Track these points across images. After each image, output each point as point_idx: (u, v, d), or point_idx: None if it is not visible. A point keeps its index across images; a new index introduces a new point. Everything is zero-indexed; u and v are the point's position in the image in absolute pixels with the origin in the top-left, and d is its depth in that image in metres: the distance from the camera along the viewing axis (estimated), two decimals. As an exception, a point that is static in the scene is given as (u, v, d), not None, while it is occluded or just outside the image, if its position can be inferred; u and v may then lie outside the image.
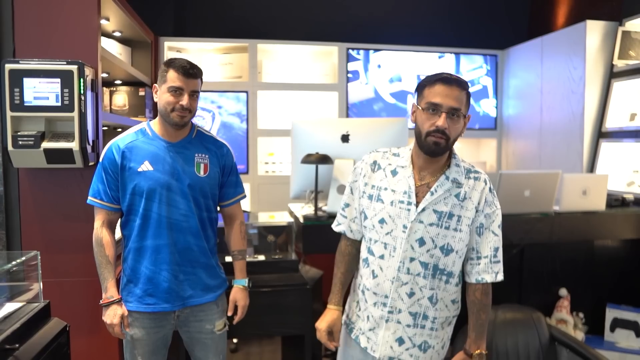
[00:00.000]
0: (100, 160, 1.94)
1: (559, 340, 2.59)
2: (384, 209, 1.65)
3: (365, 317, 1.73)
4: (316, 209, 2.59)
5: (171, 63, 1.87)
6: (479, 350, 1.69)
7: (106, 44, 3.30)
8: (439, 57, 4.85)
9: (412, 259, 1.62)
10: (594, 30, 3.85)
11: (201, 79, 1.94)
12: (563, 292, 3.07)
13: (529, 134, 4.59)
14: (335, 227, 1.83)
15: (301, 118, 4.41)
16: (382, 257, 1.66)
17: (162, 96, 1.88)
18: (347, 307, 1.86)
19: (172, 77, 1.86)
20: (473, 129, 4.99)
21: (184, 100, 1.86)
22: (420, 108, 1.58)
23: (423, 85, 1.59)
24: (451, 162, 1.64)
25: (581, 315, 3.11)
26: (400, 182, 1.64)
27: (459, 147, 4.80)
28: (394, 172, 1.67)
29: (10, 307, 1.68)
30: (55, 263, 2.35)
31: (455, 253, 1.62)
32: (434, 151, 1.57)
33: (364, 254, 1.75)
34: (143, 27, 3.67)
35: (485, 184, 1.64)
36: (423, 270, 1.62)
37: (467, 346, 1.72)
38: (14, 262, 1.70)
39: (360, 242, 1.79)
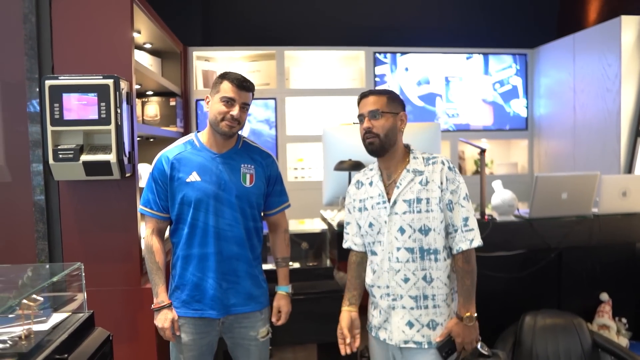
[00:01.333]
0: (151, 171, 2.01)
1: (602, 347, 2.53)
2: (370, 214, 1.91)
3: (377, 313, 1.93)
4: (350, 215, 2.59)
5: (226, 75, 1.94)
6: (468, 313, 1.83)
7: (138, 56, 3.36)
8: (467, 58, 4.80)
9: (398, 248, 1.84)
10: (629, 25, 3.76)
11: (252, 93, 1.99)
12: (604, 296, 2.99)
13: (562, 133, 4.50)
14: (344, 244, 2.08)
15: (331, 124, 4.42)
16: (377, 254, 1.90)
17: (213, 106, 1.94)
18: (368, 316, 2.03)
19: (226, 88, 1.92)
20: (503, 130, 4.92)
21: (235, 111, 1.92)
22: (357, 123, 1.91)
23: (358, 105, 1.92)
24: (409, 157, 1.89)
25: (624, 320, 3.01)
26: (375, 188, 1.91)
27: (489, 147, 4.73)
28: (371, 183, 1.94)
29: (57, 317, 1.71)
30: (95, 272, 2.40)
31: (433, 231, 1.82)
32: (373, 150, 1.85)
33: (368, 259, 1.98)
34: (172, 38, 3.73)
35: (443, 164, 1.86)
36: (410, 255, 1.83)
37: (457, 310, 1.86)
38: (61, 274, 1.74)
39: (364, 252, 2.01)
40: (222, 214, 1.95)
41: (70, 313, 1.77)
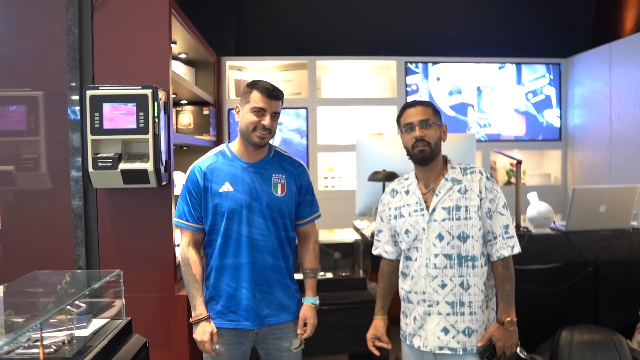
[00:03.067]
0: (184, 182, 2.02)
1: (643, 365, 2.45)
2: (406, 222, 1.95)
3: (412, 320, 1.95)
4: (383, 226, 2.57)
5: (255, 84, 1.94)
6: (509, 318, 1.87)
7: (173, 65, 3.43)
8: (499, 68, 4.74)
9: (436, 255, 1.88)
10: (669, 35, 3.67)
11: (282, 101, 2.00)
12: (644, 312, 2.90)
13: (597, 144, 4.40)
14: (374, 251, 2.13)
15: (361, 134, 4.42)
16: (415, 260, 1.93)
17: (244, 116, 1.95)
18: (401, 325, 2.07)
19: (256, 98, 1.92)
20: (536, 140, 4.84)
21: (266, 121, 1.92)
22: (401, 132, 1.96)
23: (399, 116, 1.98)
24: (447, 167, 1.95)
25: (664, 337, 2.92)
26: (412, 196, 1.96)
27: (522, 158, 4.65)
28: (407, 192, 1.99)
29: (96, 323, 1.75)
30: (130, 278, 2.42)
31: (471, 238, 1.87)
32: (423, 158, 1.90)
33: (402, 266, 2.02)
34: (206, 48, 3.79)
35: (482, 174, 1.91)
36: (448, 262, 1.87)
37: (498, 316, 1.91)
38: (103, 280, 1.77)
39: (396, 260, 2.07)
40: (255, 224, 1.95)
41: (109, 319, 1.81)
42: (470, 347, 1.87)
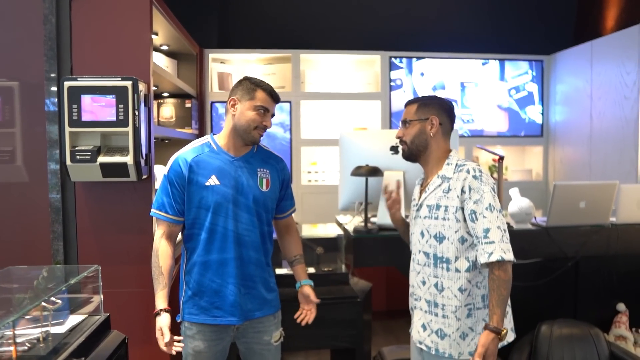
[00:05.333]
0: (166, 173, 1.95)
1: (619, 359, 2.48)
2: (410, 214, 2.01)
3: (411, 309, 2.00)
4: (366, 221, 2.57)
5: (260, 84, 1.93)
6: (504, 330, 1.69)
7: (154, 57, 3.37)
8: (483, 64, 4.77)
9: (419, 251, 1.89)
10: (649, 33, 3.71)
11: None
12: (621, 307, 2.94)
13: (578, 141, 4.45)
14: None
15: (347, 129, 4.42)
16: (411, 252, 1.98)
17: (246, 113, 1.91)
18: None
19: (262, 98, 1.92)
20: (518, 136, 4.88)
21: (269, 122, 1.94)
22: None
23: None
24: (445, 163, 1.89)
25: (641, 331, 2.97)
26: (416, 189, 2.01)
27: (504, 154, 4.68)
28: (418, 184, 2.02)
29: (73, 319, 1.71)
30: (109, 274, 2.39)
31: (447, 240, 1.81)
32: (404, 156, 1.95)
33: None
34: (189, 40, 3.73)
35: (468, 173, 1.80)
36: (426, 260, 1.86)
37: (495, 323, 1.68)
38: (80, 276, 1.73)
39: None
40: (241, 219, 1.93)
41: (86, 315, 1.77)
42: (442, 349, 1.81)
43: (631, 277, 3.01)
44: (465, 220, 1.78)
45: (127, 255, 2.44)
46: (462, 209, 1.79)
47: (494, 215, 1.74)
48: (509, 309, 1.92)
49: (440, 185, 1.86)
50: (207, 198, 1.90)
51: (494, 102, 4.82)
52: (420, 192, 1.95)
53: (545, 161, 4.94)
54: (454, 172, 1.85)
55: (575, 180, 4.37)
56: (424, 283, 1.88)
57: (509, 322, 1.90)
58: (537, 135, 4.92)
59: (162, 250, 1.92)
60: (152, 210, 1.96)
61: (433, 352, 1.85)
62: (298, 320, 2.08)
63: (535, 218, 2.83)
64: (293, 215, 2.20)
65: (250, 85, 1.92)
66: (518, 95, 4.85)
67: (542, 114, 4.91)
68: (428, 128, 1.88)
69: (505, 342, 1.80)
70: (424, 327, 1.88)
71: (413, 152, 1.91)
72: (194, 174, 1.92)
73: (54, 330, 1.59)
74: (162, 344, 1.85)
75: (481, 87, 4.78)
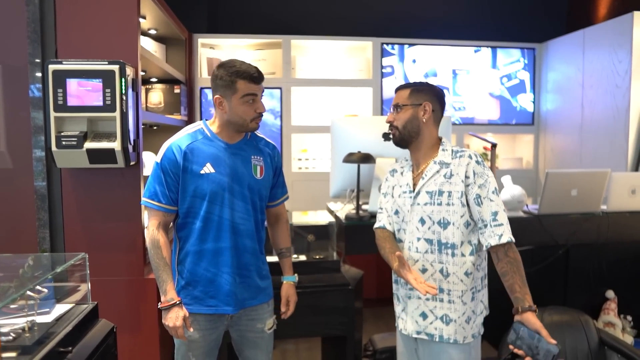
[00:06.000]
0: (158, 160, 1.88)
1: (609, 345, 2.50)
2: (396, 202, 1.94)
3: (397, 301, 1.96)
4: (358, 208, 2.55)
5: (237, 73, 1.82)
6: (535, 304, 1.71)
7: (142, 42, 3.30)
8: (475, 51, 4.74)
9: (418, 239, 1.85)
10: (641, 21, 3.70)
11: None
12: (610, 294, 2.96)
13: (569, 129, 4.45)
14: (376, 224, 2.03)
15: (338, 115, 4.38)
16: (401, 241, 1.91)
17: (236, 108, 1.84)
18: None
19: (244, 87, 1.83)
20: (509, 125, 4.87)
21: (261, 107, 1.88)
22: None
23: None
24: (439, 149, 1.88)
25: (629, 318, 3.00)
26: (404, 177, 1.94)
27: (496, 141, 4.67)
28: (403, 173, 1.96)
29: (60, 308, 1.68)
30: (97, 262, 2.36)
31: (452, 225, 1.80)
32: (394, 141, 1.91)
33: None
34: (178, 24, 3.66)
35: (471, 158, 1.82)
36: (429, 247, 1.83)
37: (530, 303, 1.69)
38: (66, 264, 1.70)
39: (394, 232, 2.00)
40: (236, 207, 1.89)
41: (73, 304, 1.74)
42: (447, 335, 1.82)
43: (620, 264, 3.03)
44: (468, 204, 1.80)
45: (114, 243, 2.40)
46: (466, 193, 1.80)
47: (499, 199, 1.80)
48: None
49: (438, 171, 1.84)
50: (202, 186, 1.85)
51: (486, 90, 4.80)
52: (415, 180, 1.90)
53: (535, 149, 4.94)
54: (452, 158, 1.85)
55: (566, 168, 4.38)
56: (424, 271, 1.84)
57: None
58: (528, 123, 4.91)
59: (162, 241, 1.85)
60: (144, 199, 1.88)
61: (437, 339, 1.83)
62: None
63: (527, 206, 2.83)
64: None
65: (227, 77, 1.82)
66: (510, 83, 4.84)
67: (534, 102, 4.90)
68: (421, 114, 1.85)
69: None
70: (424, 315, 1.85)
71: (405, 137, 1.88)
72: (189, 162, 1.86)
73: (40, 319, 1.56)
74: (180, 334, 1.82)
75: (473, 74, 4.75)
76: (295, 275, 2.13)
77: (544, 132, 4.85)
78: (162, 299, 1.83)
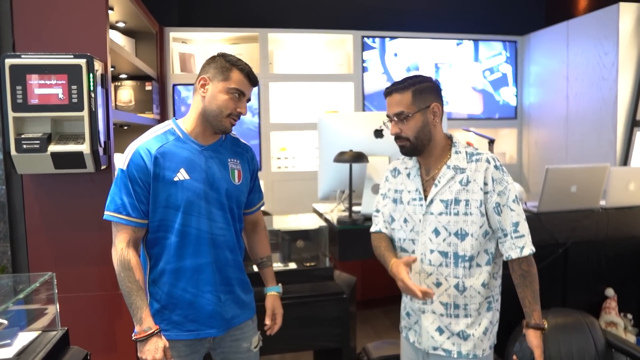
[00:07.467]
0: (124, 167, 1.63)
1: (615, 347, 2.40)
2: (405, 209, 1.76)
3: (407, 314, 1.82)
4: (351, 211, 2.38)
5: (236, 63, 1.66)
6: (545, 321, 1.70)
7: (110, 35, 3.06)
8: (457, 44, 4.62)
9: (432, 251, 1.69)
10: (628, 12, 3.64)
11: None
12: (610, 292, 2.88)
13: (553, 122, 4.38)
14: (373, 228, 1.89)
15: (319, 112, 4.19)
16: (411, 252, 1.75)
17: (218, 95, 1.64)
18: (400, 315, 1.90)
19: (238, 79, 1.64)
20: (492, 119, 4.78)
21: (244, 108, 1.68)
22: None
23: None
24: (451, 151, 1.71)
25: (630, 316, 2.92)
26: (413, 181, 1.76)
27: (475, 138, 4.58)
28: (409, 175, 1.78)
29: (24, 338, 1.45)
30: (66, 277, 2.14)
31: (470, 236, 1.66)
32: (406, 153, 1.72)
33: (398, 254, 1.81)
34: (148, 17, 3.43)
35: (489, 163, 1.67)
36: (444, 259, 1.68)
37: (537, 320, 1.69)
38: (29, 289, 1.47)
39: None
40: (214, 217, 1.68)
41: (40, 332, 1.51)
42: (466, 351, 1.69)
43: (619, 261, 2.95)
44: (487, 213, 1.66)
45: (85, 255, 2.18)
46: (484, 202, 1.65)
47: (520, 207, 1.67)
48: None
49: (453, 177, 1.68)
50: (175, 196, 1.63)
51: (469, 84, 4.69)
52: (425, 185, 1.73)
53: (519, 144, 4.86)
54: (467, 162, 1.68)
55: (551, 163, 4.31)
56: (438, 285, 1.70)
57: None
58: (511, 117, 4.83)
59: (133, 262, 1.60)
60: (109, 213, 1.63)
61: (455, 355, 1.70)
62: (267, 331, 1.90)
63: (525, 203, 2.71)
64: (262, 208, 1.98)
65: (225, 63, 1.64)
66: (492, 76, 4.75)
67: (516, 95, 4.82)
68: (431, 118, 1.66)
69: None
70: (440, 330, 1.71)
71: (418, 147, 1.68)
72: (160, 167, 1.62)
73: (1, 353, 1.33)
74: None
75: (455, 68, 4.64)
76: (280, 285, 1.94)
77: (528, 125, 4.78)
78: (137, 328, 1.57)
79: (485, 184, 1.64)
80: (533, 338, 1.68)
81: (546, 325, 1.70)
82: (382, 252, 1.79)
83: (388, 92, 1.70)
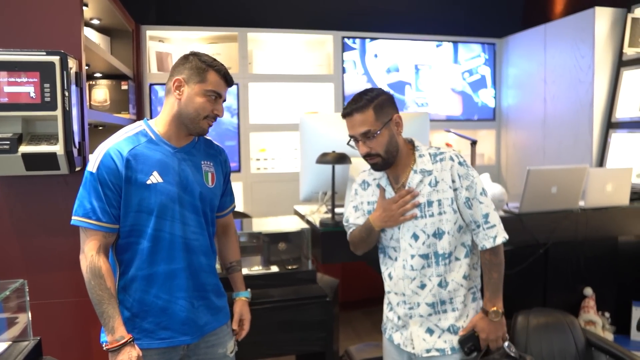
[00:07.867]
0: (93, 170, 1.57)
1: (596, 346, 2.41)
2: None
3: (394, 317, 1.82)
4: (333, 213, 2.34)
5: (212, 64, 1.61)
6: (494, 308, 1.74)
7: (85, 31, 2.97)
8: (437, 46, 4.64)
9: (412, 256, 1.73)
10: (603, 17, 3.69)
11: None
12: (588, 291, 2.91)
13: (531, 124, 4.42)
14: (349, 237, 1.90)
15: (298, 113, 4.15)
16: (394, 259, 1.79)
17: (195, 98, 1.59)
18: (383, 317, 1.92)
19: (215, 81, 1.60)
20: (471, 120, 4.81)
21: (221, 110, 1.64)
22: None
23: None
24: (415, 155, 1.75)
25: (607, 315, 2.95)
26: (385, 192, 1.78)
27: (455, 139, 4.60)
28: (378, 185, 1.80)
29: (-7, 349, 1.38)
30: (38, 283, 2.07)
31: (447, 234, 1.72)
32: (379, 169, 1.74)
33: (381, 261, 1.87)
34: (124, 14, 3.34)
35: (452, 160, 1.72)
36: (425, 261, 1.72)
37: (483, 305, 1.77)
38: (2, 295, 1.39)
39: None
40: (188, 221, 1.63)
41: (10, 342, 1.44)
42: (458, 345, 1.75)
43: (597, 260, 2.99)
44: (459, 209, 1.72)
45: (58, 261, 2.11)
46: (455, 198, 1.72)
47: (488, 199, 1.74)
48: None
49: (422, 180, 1.72)
50: (148, 199, 1.57)
51: (448, 85, 4.71)
52: (398, 192, 1.75)
53: (497, 145, 4.90)
54: (432, 163, 1.73)
55: (529, 164, 4.34)
56: (423, 287, 1.75)
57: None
58: (490, 119, 4.87)
59: (104, 269, 1.54)
60: (77, 218, 1.56)
61: (449, 352, 1.74)
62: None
63: (507, 204, 2.72)
64: (241, 207, 1.94)
65: (200, 64, 1.60)
66: (471, 78, 4.77)
67: (495, 97, 4.86)
68: (395, 129, 1.71)
69: None
70: (430, 331, 1.75)
71: (389, 160, 1.72)
72: (132, 170, 1.56)
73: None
74: None
75: (435, 69, 4.65)
76: (249, 290, 1.91)
77: (506, 127, 4.82)
78: (109, 338, 1.52)
79: (453, 181, 1.70)
80: (473, 319, 1.76)
81: (494, 310, 1.73)
82: (358, 229, 1.83)
83: (347, 113, 1.69)
